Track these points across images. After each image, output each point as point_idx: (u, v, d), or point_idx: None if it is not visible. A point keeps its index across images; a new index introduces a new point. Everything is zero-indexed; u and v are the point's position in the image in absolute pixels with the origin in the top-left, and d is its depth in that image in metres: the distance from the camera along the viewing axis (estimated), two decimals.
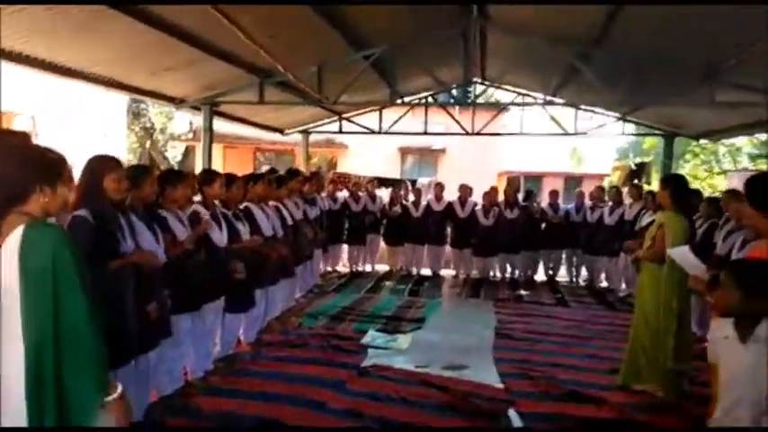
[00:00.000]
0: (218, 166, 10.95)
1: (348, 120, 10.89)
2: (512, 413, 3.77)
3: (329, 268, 9.05)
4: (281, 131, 11.13)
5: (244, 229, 4.57)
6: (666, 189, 4.07)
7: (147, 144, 17.84)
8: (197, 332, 3.97)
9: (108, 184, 2.82)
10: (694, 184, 9.10)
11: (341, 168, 15.23)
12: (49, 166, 1.64)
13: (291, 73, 7.00)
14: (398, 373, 4.45)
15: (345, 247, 9.31)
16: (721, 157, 20.48)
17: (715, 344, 2.02)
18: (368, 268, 9.33)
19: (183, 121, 17.31)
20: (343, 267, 9.34)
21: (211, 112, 7.91)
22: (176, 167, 12.94)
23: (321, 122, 11.19)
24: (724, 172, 19.25)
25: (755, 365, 1.78)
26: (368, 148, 16.65)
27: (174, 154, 18.59)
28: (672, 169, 10.72)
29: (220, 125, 9.64)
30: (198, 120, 11.86)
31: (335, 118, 10.86)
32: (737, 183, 9.91)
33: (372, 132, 10.89)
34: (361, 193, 9.21)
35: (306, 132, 11.44)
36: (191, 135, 16.97)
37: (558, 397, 4.08)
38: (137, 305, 2.97)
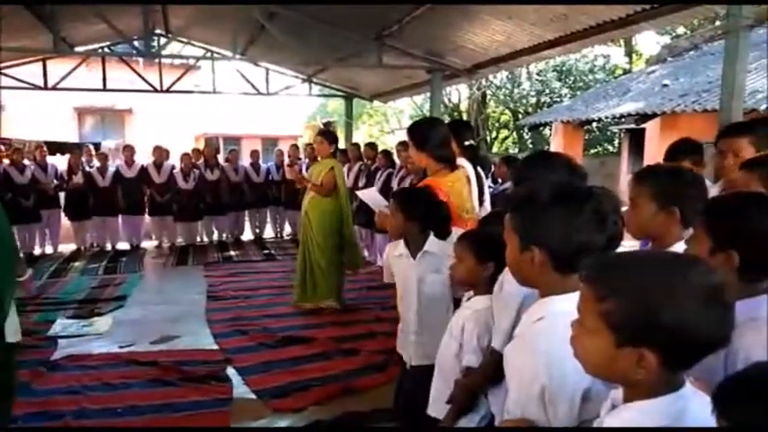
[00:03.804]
0: None
1: (1, 73, 8.85)
2: (230, 370, 3.80)
3: None
4: None
5: None
6: (327, 141, 5.17)
7: None
8: None
9: None
10: (371, 141, 10.49)
11: None
12: None
13: None
14: (99, 359, 4.05)
15: (13, 228, 7.69)
16: (390, 118, 23.88)
17: (391, 264, 2.37)
18: (48, 250, 7.96)
19: None
20: None
21: None
22: None
23: None
24: (392, 131, 22.60)
25: (422, 275, 2.21)
26: (32, 108, 13.86)
27: None
28: (352, 129, 12.02)
29: None
30: None
31: None
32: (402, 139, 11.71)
33: (36, 88, 9.12)
34: (27, 162, 7.68)
35: None
36: None
37: (272, 345, 4.30)
38: None
